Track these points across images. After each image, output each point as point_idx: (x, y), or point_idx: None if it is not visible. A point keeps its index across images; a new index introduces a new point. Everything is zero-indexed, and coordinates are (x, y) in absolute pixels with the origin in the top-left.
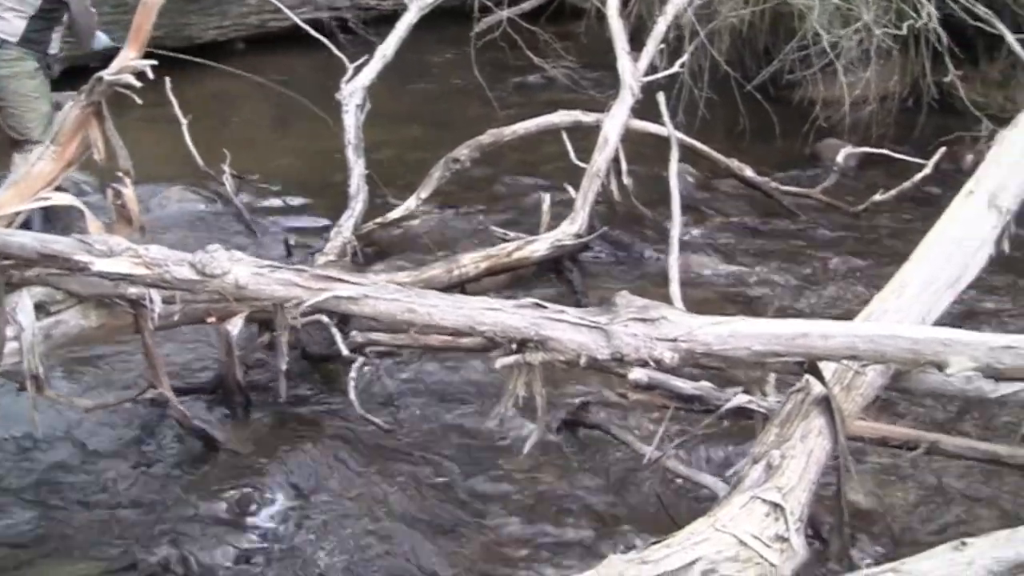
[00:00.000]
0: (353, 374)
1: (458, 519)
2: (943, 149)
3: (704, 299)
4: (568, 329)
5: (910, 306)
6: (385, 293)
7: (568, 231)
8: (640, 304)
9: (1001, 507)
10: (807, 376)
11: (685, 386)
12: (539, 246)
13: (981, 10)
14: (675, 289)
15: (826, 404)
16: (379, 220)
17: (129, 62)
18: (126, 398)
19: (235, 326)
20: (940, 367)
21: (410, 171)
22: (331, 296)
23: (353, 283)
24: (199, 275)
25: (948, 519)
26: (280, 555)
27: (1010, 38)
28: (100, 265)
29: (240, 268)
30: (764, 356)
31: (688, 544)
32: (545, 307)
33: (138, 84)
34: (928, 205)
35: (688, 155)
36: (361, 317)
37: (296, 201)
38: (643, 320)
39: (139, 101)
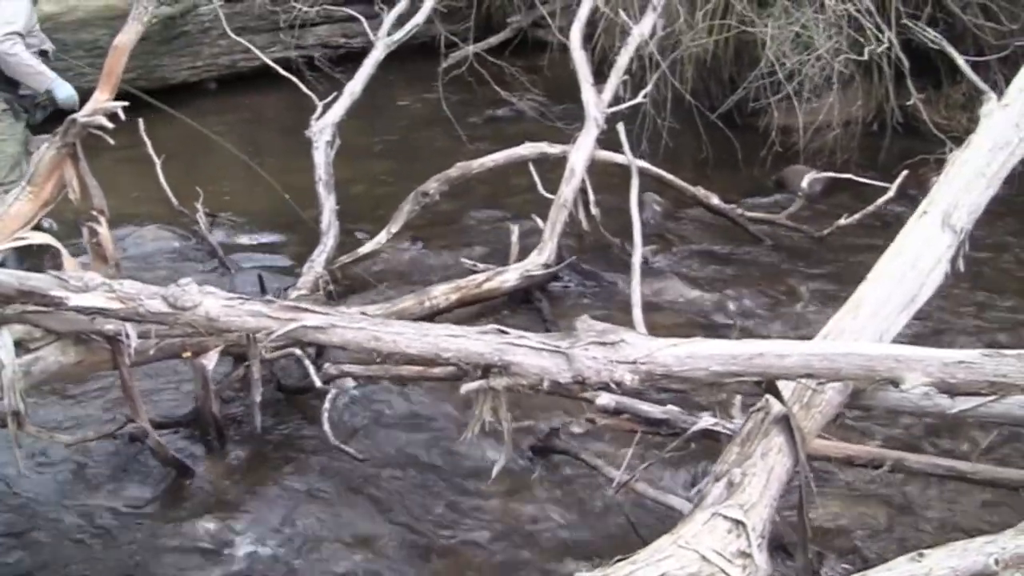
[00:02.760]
0: (327, 405)
1: (430, 545)
2: (905, 172)
3: (673, 325)
4: (530, 354)
5: (864, 327)
6: (352, 322)
7: (537, 261)
8: (600, 328)
9: (966, 523)
10: (766, 395)
11: (652, 410)
12: (509, 277)
13: (931, 34)
14: (637, 314)
15: (785, 422)
16: (350, 255)
17: (102, 104)
18: (106, 432)
19: (210, 360)
20: (895, 383)
21: (380, 206)
22: (299, 326)
23: (321, 313)
24: (171, 308)
25: (914, 535)
26: None
27: (960, 61)
28: (76, 300)
29: (210, 300)
30: (722, 376)
31: (652, 561)
32: (507, 333)
33: (111, 126)
34: (894, 228)
35: (655, 184)
36: (329, 346)
37: (268, 238)
38: (603, 344)
39: (112, 142)
